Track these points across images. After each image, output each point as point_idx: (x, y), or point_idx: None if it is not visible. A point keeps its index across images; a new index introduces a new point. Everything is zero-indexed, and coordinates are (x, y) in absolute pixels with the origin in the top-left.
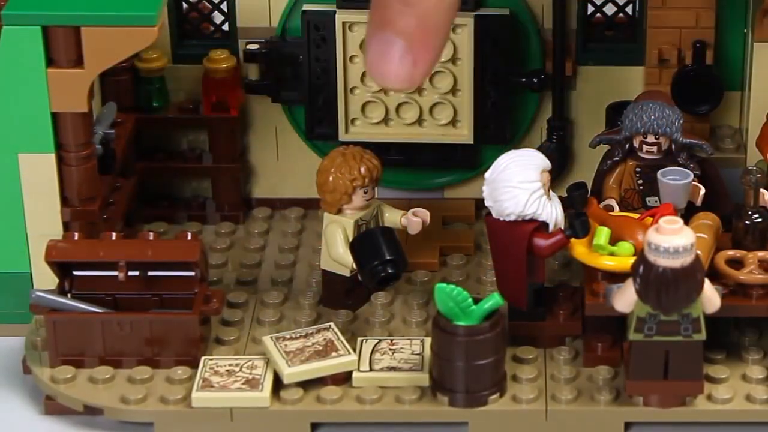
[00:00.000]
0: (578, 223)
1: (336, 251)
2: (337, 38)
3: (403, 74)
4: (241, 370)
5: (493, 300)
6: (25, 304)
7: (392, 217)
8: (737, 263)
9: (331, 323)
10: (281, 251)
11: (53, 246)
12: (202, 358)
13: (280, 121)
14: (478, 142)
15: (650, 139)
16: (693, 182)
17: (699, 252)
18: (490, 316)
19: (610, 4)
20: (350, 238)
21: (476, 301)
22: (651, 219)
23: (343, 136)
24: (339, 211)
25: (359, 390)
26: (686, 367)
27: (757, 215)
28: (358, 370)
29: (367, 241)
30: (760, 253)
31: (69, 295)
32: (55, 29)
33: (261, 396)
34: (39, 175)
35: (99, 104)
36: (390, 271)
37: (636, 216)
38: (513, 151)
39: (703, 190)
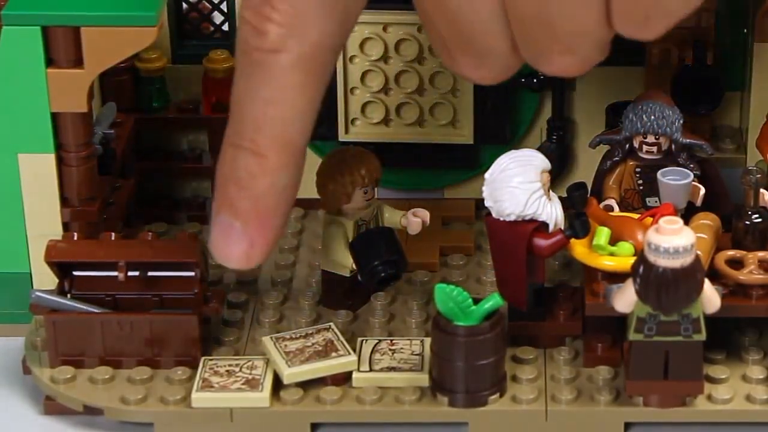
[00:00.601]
0: (578, 223)
1: (336, 251)
2: None
3: (240, 254)
4: (241, 370)
5: (493, 300)
6: (25, 304)
7: (392, 217)
8: (737, 263)
9: (331, 323)
10: (281, 251)
11: (53, 246)
12: (202, 358)
13: None
14: (478, 142)
15: (650, 139)
16: (693, 182)
17: (699, 252)
18: (490, 316)
19: None
20: (350, 238)
21: (476, 301)
22: (651, 219)
23: (343, 136)
24: (339, 212)
25: (359, 390)
26: (686, 367)
27: (757, 215)
28: (358, 370)
29: (367, 241)
30: (760, 253)
31: (69, 295)
32: (55, 29)
33: (261, 396)
34: (39, 175)
35: (99, 104)
36: (390, 271)
37: (636, 216)
38: (513, 151)
39: (703, 190)
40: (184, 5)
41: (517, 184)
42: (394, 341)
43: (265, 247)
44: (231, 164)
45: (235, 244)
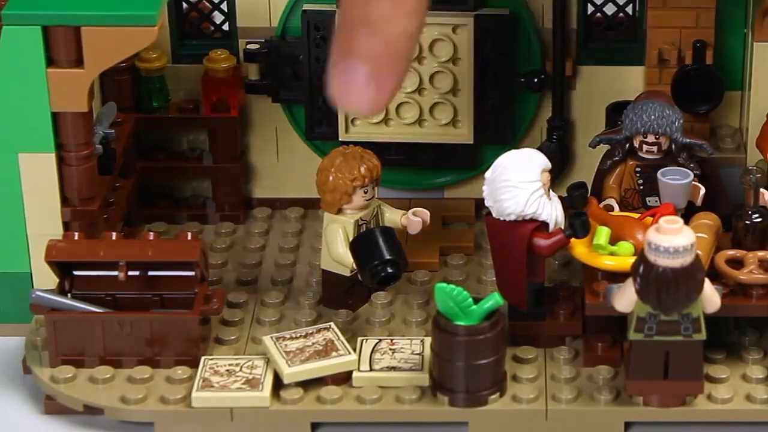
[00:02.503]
0: (578, 223)
1: (336, 251)
2: None
3: (368, 100)
4: (241, 370)
5: (493, 300)
6: (25, 304)
7: (392, 217)
8: (737, 263)
9: (331, 323)
10: (281, 251)
11: (53, 246)
12: (202, 358)
13: (280, 121)
14: (478, 142)
15: (650, 139)
16: (693, 182)
17: (699, 252)
18: (490, 316)
19: (610, 3)
20: (350, 238)
21: (476, 301)
22: (651, 219)
23: (343, 136)
24: (339, 211)
25: (359, 390)
26: (686, 366)
27: (757, 215)
28: (358, 370)
29: (367, 241)
30: (760, 253)
31: (69, 295)
32: (55, 29)
33: (261, 396)
34: (39, 175)
35: (99, 104)
36: (390, 271)
37: (636, 216)
38: (513, 151)
39: (703, 190)
40: (184, 5)
41: (517, 184)
42: (394, 341)
43: (392, 93)
44: (362, 7)
45: (363, 89)
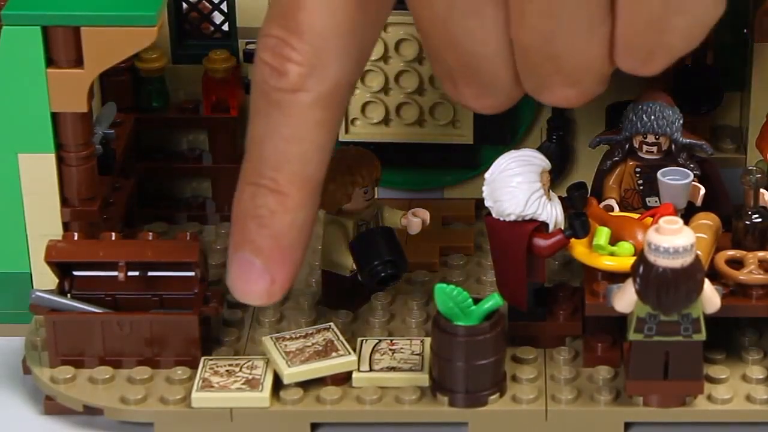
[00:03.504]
0: (578, 223)
1: (336, 251)
2: None
3: (261, 291)
4: (241, 370)
5: (493, 300)
6: (25, 304)
7: (392, 217)
8: (737, 263)
9: (331, 323)
10: None
11: (53, 246)
12: (202, 358)
13: None
14: (478, 142)
15: (650, 139)
16: (693, 182)
17: (699, 252)
18: (490, 316)
19: None
20: (350, 238)
21: (476, 301)
22: (651, 219)
23: (343, 136)
24: (339, 211)
25: (359, 390)
26: (686, 367)
27: (757, 215)
28: (358, 370)
29: (367, 241)
30: (760, 253)
31: (69, 295)
32: (55, 29)
33: (261, 396)
34: (39, 175)
35: (99, 104)
36: (390, 271)
37: (636, 216)
38: (513, 151)
39: (703, 190)
40: (184, 5)
41: (517, 184)
42: (394, 341)
43: (287, 283)
44: (250, 202)
45: (256, 281)
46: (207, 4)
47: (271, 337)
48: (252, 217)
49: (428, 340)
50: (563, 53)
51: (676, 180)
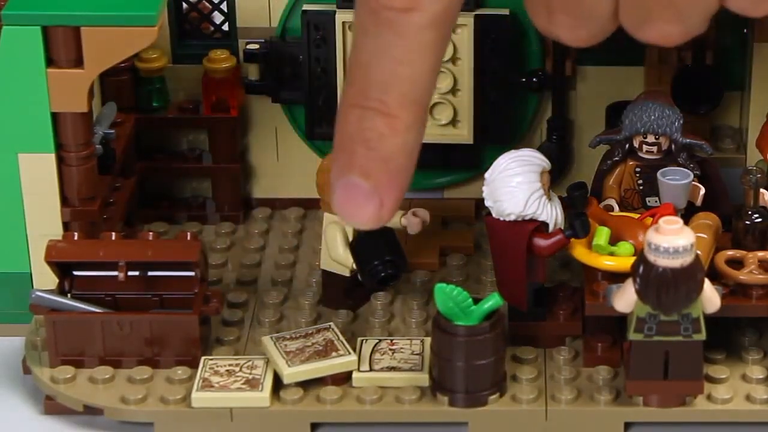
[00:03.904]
0: (578, 223)
1: (336, 251)
2: (337, 38)
3: (370, 215)
4: (241, 370)
5: (493, 300)
6: (25, 304)
7: (392, 217)
8: (737, 263)
9: (331, 323)
10: (281, 251)
11: (53, 246)
12: (202, 358)
13: (280, 121)
14: (478, 142)
15: (650, 139)
16: (693, 182)
17: (699, 252)
18: (490, 316)
19: None
20: (350, 238)
21: (476, 301)
22: (651, 219)
23: None
24: None
25: (359, 390)
26: (686, 367)
27: (757, 215)
28: (358, 370)
29: (367, 241)
30: (760, 253)
31: (69, 295)
32: (55, 29)
33: (261, 396)
34: (39, 175)
35: (99, 104)
36: (390, 271)
37: (636, 216)
38: (513, 151)
39: (703, 190)
40: (184, 5)
41: (517, 184)
42: (394, 341)
43: (395, 207)
44: (357, 125)
45: (365, 204)
46: (207, 4)
47: (271, 337)
48: (360, 141)
49: (428, 340)
50: None
51: (676, 180)
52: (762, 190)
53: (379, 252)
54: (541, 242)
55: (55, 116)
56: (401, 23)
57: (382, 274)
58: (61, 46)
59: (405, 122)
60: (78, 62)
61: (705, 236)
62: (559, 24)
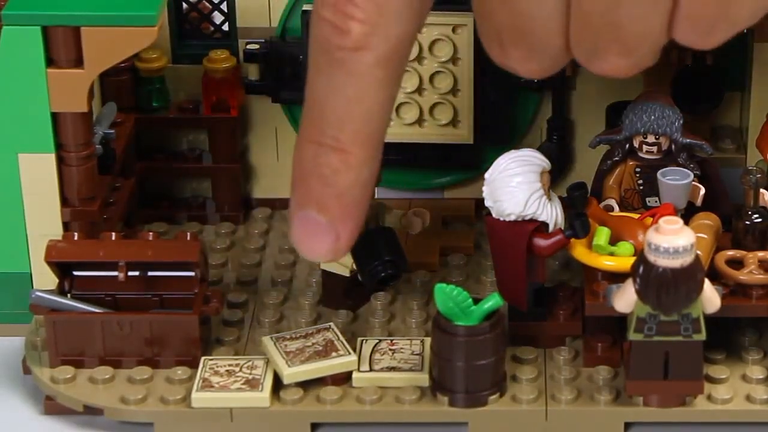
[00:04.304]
0: (578, 223)
1: None
2: None
3: (327, 248)
4: (241, 370)
5: (493, 300)
6: (25, 304)
7: (392, 217)
8: (737, 263)
9: (331, 323)
10: (281, 251)
11: (53, 246)
12: (202, 358)
13: (280, 121)
14: (478, 142)
15: (650, 139)
16: (693, 182)
17: (699, 252)
18: (490, 316)
19: None
20: None
21: (476, 301)
22: (651, 219)
23: None
24: None
25: (359, 390)
26: (686, 367)
27: (757, 215)
28: (358, 370)
29: (367, 241)
30: (760, 253)
31: (69, 295)
32: (55, 29)
33: (261, 396)
34: (39, 175)
35: (99, 104)
36: (390, 271)
37: (636, 216)
38: (513, 151)
39: (703, 190)
40: (184, 5)
41: (517, 184)
42: (394, 341)
43: (351, 239)
44: (312, 161)
45: (321, 238)
46: (207, 4)
47: (271, 337)
48: (316, 176)
49: (428, 340)
50: (625, 21)
51: (676, 180)
52: (762, 190)
53: (379, 252)
54: (541, 242)
55: (55, 116)
56: (352, 62)
57: (382, 274)
58: (61, 46)
59: (358, 158)
60: (78, 62)
61: (705, 236)
62: (511, 58)
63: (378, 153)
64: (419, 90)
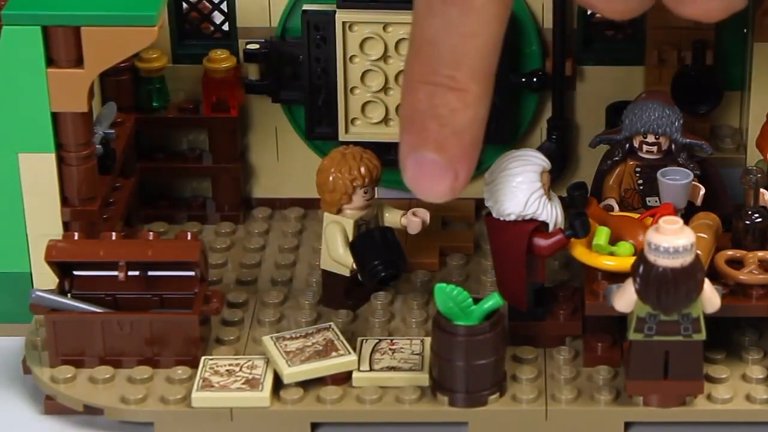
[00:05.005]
0: (578, 223)
1: (336, 251)
2: (337, 38)
3: (446, 188)
4: (241, 370)
5: (493, 300)
6: (25, 304)
7: (392, 217)
8: (737, 263)
9: (331, 323)
10: (281, 251)
11: (53, 246)
12: (202, 358)
13: (280, 121)
14: None
15: (650, 139)
16: (693, 182)
17: (699, 252)
18: (490, 316)
19: None
20: (350, 238)
21: (476, 301)
22: (651, 219)
23: (343, 136)
24: (339, 211)
25: (359, 390)
26: (686, 367)
27: (757, 215)
28: (358, 370)
29: (367, 241)
30: (760, 253)
31: (69, 295)
32: (55, 29)
33: (261, 396)
34: (39, 175)
35: (99, 104)
36: (390, 271)
37: (636, 216)
38: (513, 151)
39: (703, 190)
40: (184, 5)
41: (517, 184)
42: (394, 341)
43: (469, 178)
44: (427, 101)
45: (441, 178)
46: (207, 4)
47: (271, 337)
48: (431, 116)
49: (428, 340)
50: None
51: (676, 180)
52: (762, 190)
53: (379, 252)
54: (541, 242)
55: (55, 116)
56: (468, 0)
57: (382, 274)
58: (61, 46)
59: (475, 95)
60: (78, 62)
61: (705, 236)
62: None
63: (491, 90)
64: None
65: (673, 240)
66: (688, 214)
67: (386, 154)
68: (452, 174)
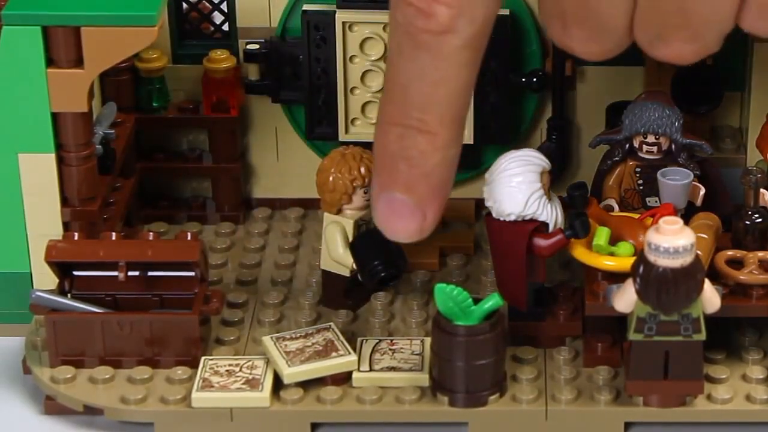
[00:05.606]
0: (578, 223)
1: (336, 251)
2: (337, 38)
3: (414, 228)
4: (241, 370)
5: (493, 300)
6: (25, 304)
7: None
8: (737, 263)
9: (331, 323)
10: (281, 251)
11: (53, 246)
12: (202, 358)
13: (280, 121)
14: (478, 142)
15: (650, 139)
16: (693, 182)
17: (699, 252)
18: (490, 316)
19: None
20: (350, 238)
21: (476, 301)
22: (651, 219)
23: (343, 136)
24: (339, 211)
25: (359, 390)
26: (686, 367)
27: (757, 215)
28: (358, 370)
29: (367, 241)
30: (760, 253)
31: (69, 295)
32: (55, 29)
33: (261, 396)
34: (39, 175)
35: (99, 104)
36: (390, 271)
37: (636, 216)
38: (513, 151)
39: (703, 190)
40: (184, 5)
41: (517, 184)
42: (394, 341)
43: (437, 218)
44: (398, 143)
45: (409, 219)
46: (207, 4)
47: (271, 337)
48: (402, 158)
49: (428, 340)
50: (694, 6)
51: (676, 180)
52: (762, 190)
53: (379, 252)
54: (541, 242)
55: (55, 116)
56: (438, 46)
57: (382, 274)
58: (61, 46)
59: (444, 139)
60: (78, 62)
61: (705, 236)
62: (573, 37)
63: (462, 132)
64: None
65: (673, 240)
66: (688, 214)
67: None
68: (420, 214)
